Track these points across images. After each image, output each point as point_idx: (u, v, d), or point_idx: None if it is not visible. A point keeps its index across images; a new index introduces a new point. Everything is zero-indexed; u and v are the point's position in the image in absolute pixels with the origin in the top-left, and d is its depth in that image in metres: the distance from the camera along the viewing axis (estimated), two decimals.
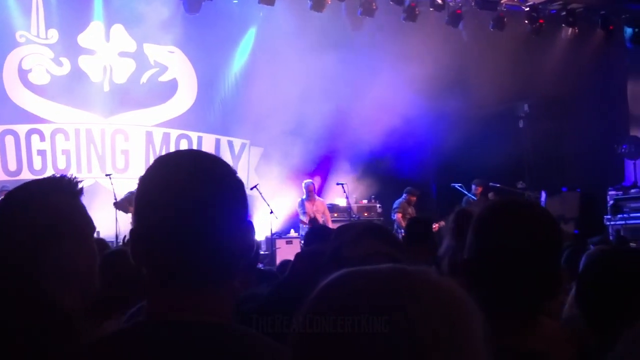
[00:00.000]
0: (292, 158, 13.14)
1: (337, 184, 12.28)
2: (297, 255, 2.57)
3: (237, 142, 13.42)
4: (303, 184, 11.43)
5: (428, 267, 0.92)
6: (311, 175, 12.61)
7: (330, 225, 10.45)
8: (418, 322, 0.81)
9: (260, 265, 6.71)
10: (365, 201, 13.35)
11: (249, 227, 1.25)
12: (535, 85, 13.24)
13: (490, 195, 12.26)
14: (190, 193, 1.14)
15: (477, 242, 1.57)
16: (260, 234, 11.54)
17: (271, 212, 11.44)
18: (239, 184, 1.23)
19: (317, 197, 11.55)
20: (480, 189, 12.18)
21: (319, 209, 11.42)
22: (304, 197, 11.41)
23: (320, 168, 13.41)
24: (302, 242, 9.48)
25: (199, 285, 1.15)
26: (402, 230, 10.65)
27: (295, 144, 13.11)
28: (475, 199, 12.28)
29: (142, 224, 1.19)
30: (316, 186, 11.88)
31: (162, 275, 1.15)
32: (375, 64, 12.86)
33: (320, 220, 11.22)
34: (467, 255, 1.57)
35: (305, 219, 11.21)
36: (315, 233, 3.84)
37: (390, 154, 13.14)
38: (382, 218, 12.52)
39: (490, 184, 12.40)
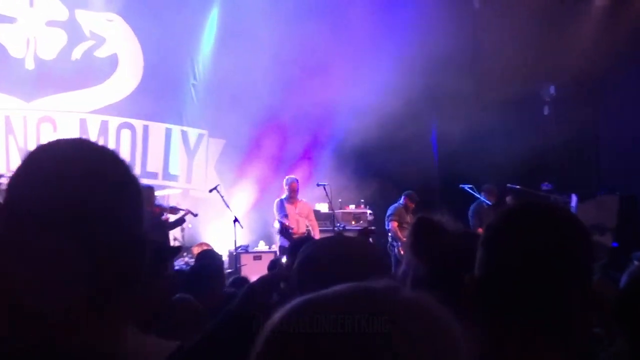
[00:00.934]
0: (261, 153, 12.77)
1: (318, 184, 11.48)
2: (246, 292, 2.10)
3: (193, 133, 12.84)
4: (285, 181, 10.70)
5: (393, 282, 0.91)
6: (285, 175, 11.79)
7: (318, 235, 10.06)
8: (402, 351, 0.83)
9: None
10: (352, 207, 12.68)
11: (137, 243, 1.16)
12: (564, 63, 12.42)
13: (508, 199, 11.44)
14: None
15: (489, 258, 1.51)
16: (222, 248, 10.95)
17: (235, 220, 10.69)
18: (132, 186, 1.19)
19: (300, 197, 10.88)
20: (494, 196, 11.63)
21: (303, 213, 10.70)
22: (285, 196, 10.63)
23: (297, 166, 12.84)
24: (280, 255, 9.53)
25: None
26: (399, 243, 10.57)
27: (266, 137, 12.70)
28: (489, 203, 11.61)
29: None
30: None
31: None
32: (367, 40, 12.46)
33: (304, 228, 10.60)
34: (477, 272, 1.52)
35: (285, 222, 10.47)
36: (299, 247, 2.89)
37: (384, 149, 12.51)
38: (373, 227, 11.66)
39: (508, 185, 11.70)
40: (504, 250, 1.47)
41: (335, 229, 11.53)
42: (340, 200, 12.59)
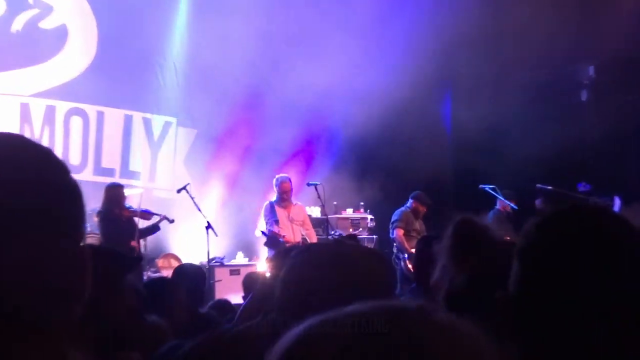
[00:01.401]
0: (241, 147, 12.39)
1: (308, 184, 10.80)
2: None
3: (158, 121, 12.47)
4: (275, 180, 10.15)
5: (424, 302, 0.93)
6: (274, 174, 11.25)
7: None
8: None
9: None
10: (350, 211, 12.23)
11: (77, 253, 1.21)
12: (605, 39, 11.79)
13: (539, 203, 11.07)
14: None
15: (524, 273, 1.50)
16: (191, 260, 10.38)
17: (208, 227, 10.19)
18: (69, 189, 1.22)
19: (294, 200, 10.31)
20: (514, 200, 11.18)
21: (298, 218, 10.17)
22: (275, 199, 10.07)
23: (285, 162, 12.49)
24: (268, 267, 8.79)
25: None
26: (405, 255, 9.83)
27: (247, 127, 12.37)
28: (515, 207, 11.03)
29: None
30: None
31: None
32: (370, 14, 12.35)
33: (299, 237, 10.01)
34: (512, 289, 1.52)
35: (275, 229, 9.91)
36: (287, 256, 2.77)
37: (389, 143, 12.56)
38: (374, 236, 11.70)
39: (538, 186, 11.03)
40: (542, 265, 1.46)
41: (330, 237, 10.76)
42: (335, 203, 12.16)
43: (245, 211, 11.87)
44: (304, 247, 2.04)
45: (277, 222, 9.98)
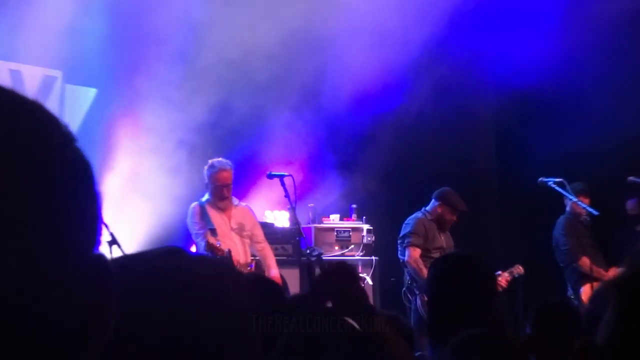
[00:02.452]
0: (168, 117, 10.78)
1: (270, 176, 9.58)
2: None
3: (33, 75, 10.92)
4: (206, 169, 9.21)
5: None
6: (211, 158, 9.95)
7: (275, 270, 9.08)
8: None
9: None
10: (335, 218, 11.11)
11: (99, 264, 1.05)
12: None
13: (632, 205, 10.37)
14: None
15: (626, 317, 1.49)
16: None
17: (112, 242, 8.45)
18: (78, 164, 1.04)
19: (236, 200, 9.43)
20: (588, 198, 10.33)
21: (244, 227, 9.35)
22: (206, 198, 9.19)
23: (233, 144, 10.93)
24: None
25: None
26: (417, 291, 9.32)
27: (177, 88, 10.87)
28: (596, 213, 9.91)
29: None
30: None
31: None
32: None
33: (248, 256, 9.25)
34: (602, 338, 1.50)
35: (202, 243, 8.98)
36: None
37: (393, 119, 11.72)
38: (373, 258, 10.49)
39: (630, 179, 10.17)
40: None
41: (305, 259, 9.47)
42: (312, 205, 11.02)
43: (170, 215, 10.28)
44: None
45: (213, 231, 8.94)
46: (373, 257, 10.51)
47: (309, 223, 10.81)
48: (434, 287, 3.84)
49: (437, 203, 9.58)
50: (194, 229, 8.98)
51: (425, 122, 11.69)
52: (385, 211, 11.25)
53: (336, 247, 10.74)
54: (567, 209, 10.32)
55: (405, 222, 9.67)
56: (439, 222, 9.63)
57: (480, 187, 12.14)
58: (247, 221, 9.28)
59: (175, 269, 1.42)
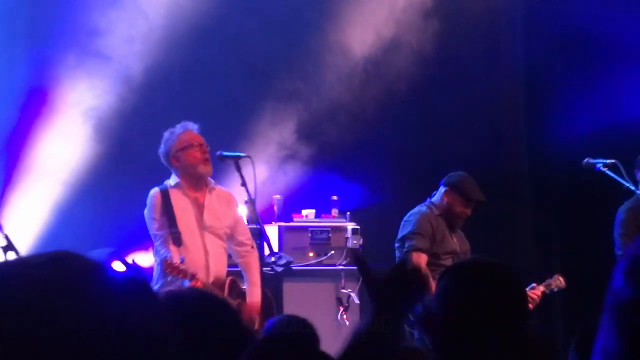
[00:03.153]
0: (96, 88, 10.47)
1: (221, 156, 8.51)
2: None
3: None
4: (168, 135, 8.21)
5: None
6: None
7: (255, 290, 8.05)
8: None
9: None
10: (309, 214, 10.22)
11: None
12: None
13: None
14: None
15: None
16: None
17: (8, 248, 8.05)
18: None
19: (212, 181, 8.30)
20: None
21: (219, 218, 8.22)
22: (173, 181, 8.12)
23: (175, 113, 9.64)
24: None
25: None
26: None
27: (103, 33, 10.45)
28: None
29: None
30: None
31: None
32: None
33: (224, 265, 8.25)
34: None
35: (158, 257, 8.00)
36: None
37: (389, 81, 11.09)
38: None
39: None
40: None
41: (268, 270, 8.51)
42: (278, 197, 10.17)
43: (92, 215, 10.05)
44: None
45: (176, 236, 7.91)
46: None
47: (274, 221, 9.83)
48: (445, 306, 3.51)
49: (444, 190, 8.65)
50: (151, 228, 7.92)
51: (433, 87, 10.90)
52: (378, 206, 10.55)
53: (310, 254, 9.78)
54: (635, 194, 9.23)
55: (405, 218, 8.69)
56: (448, 218, 8.74)
57: (506, 172, 11.31)
58: (227, 214, 8.18)
59: (54, 282, 1.46)
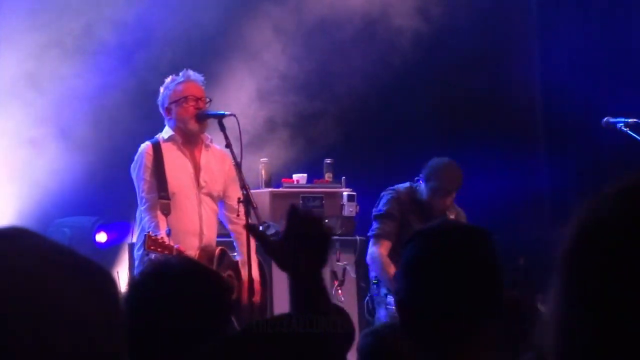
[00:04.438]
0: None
1: (201, 116, 8.10)
2: None
3: None
4: (168, 83, 7.84)
5: None
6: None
7: (253, 264, 7.55)
8: None
9: None
10: (300, 178, 10.02)
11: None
12: None
13: None
14: None
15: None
16: None
17: None
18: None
19: (209, 137, 7.91)
20: None
21: (214, 178, 7.88)
22: (165, 135, 7.73)
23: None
24: None
25: None
26: (390, 305, 8.42)
27: None
28: None
29: None
30: None
31: None
32: None
33: (213, 228, 7.84)
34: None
35: (145, 225, 7.53)
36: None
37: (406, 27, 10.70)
38: (358, 238, 9.57)
39: None
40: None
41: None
42: (265, 160, 9.83)
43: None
44: None
45: (163, 199, 7.51)
46: (357, 237, 9.18)
47: (261, 187, 9.35)
48: (411, 277, 3.38)
49: (422, 179, 8.48)
50: (139, 189, 7.42)
51: (440, 31, 10.41)
52: (376, 168, 10.25)
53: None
54: None
55: (381, 197, 8.51)
56: (428, 208, 8.50)
57: (518, 127, 10.88)
58: (222, 175, 7.77)
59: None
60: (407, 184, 8.64)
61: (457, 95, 10.74)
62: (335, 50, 10.77)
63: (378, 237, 8.45)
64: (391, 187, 8.69)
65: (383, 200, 8.62)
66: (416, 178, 8.61)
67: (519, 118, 11.32)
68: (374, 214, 8.67)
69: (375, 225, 8.52)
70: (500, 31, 11.28)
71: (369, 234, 8.61)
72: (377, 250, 8.47)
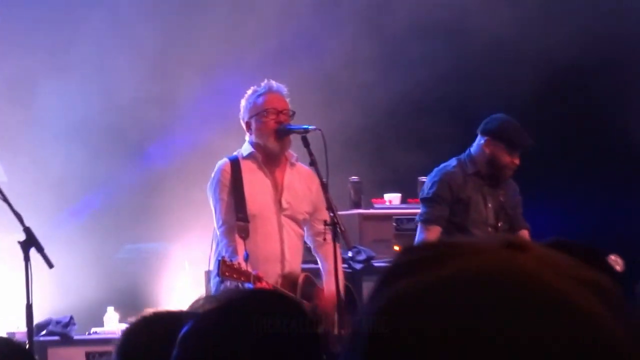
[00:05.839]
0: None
1: (283, 131, 7.94)
2: None
3: None
4: (250, 96, 7.63)
5: None
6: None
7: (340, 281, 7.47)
8: None
9: None
10: (393, 199, 10.22)
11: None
12: None
13: None
14: None
15: None
16: None
17: (29, 244, 7.18)
18: None
19: (294, 155, 7.59)
20: None
21: (299, 200, 7.59)
22: (244, 152, 7.51)
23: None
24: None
25: None
26: None
27: None
28: None
29: None
30: None
31: None
32: None
33: (298, 256, 7.57)
34: None
35: (220, 253, 7.16)
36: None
37: None
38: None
39: None
40: None
41: (346, 267, 8.51)
42: (355, 179, 9.78)
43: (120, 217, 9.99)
44: None
45: (243, 219, 7.24)
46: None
47: (350, 208, 9.25)
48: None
49: (483, 140, 7.87)
50: (217, 210, 7.20)
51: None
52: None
53: (396, 247, 9.10)
54: None
55: (431, 176, 8.15)
56: (491, 173, 7.98)
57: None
58: (308, 196, 7.50)
59: None
60: (453, 161, 8.25)
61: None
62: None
63: (426, 222, 8.16)
64: (437, 168, 8.37)
65: (429, 183, 8.33)
66: (467, 152, 8.34)
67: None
68: (420, 197, 8.45)
69: (423, 209, 8.19)
70: None
71: (416, 219, 8.33)
72: (426, 237, 8.18)
